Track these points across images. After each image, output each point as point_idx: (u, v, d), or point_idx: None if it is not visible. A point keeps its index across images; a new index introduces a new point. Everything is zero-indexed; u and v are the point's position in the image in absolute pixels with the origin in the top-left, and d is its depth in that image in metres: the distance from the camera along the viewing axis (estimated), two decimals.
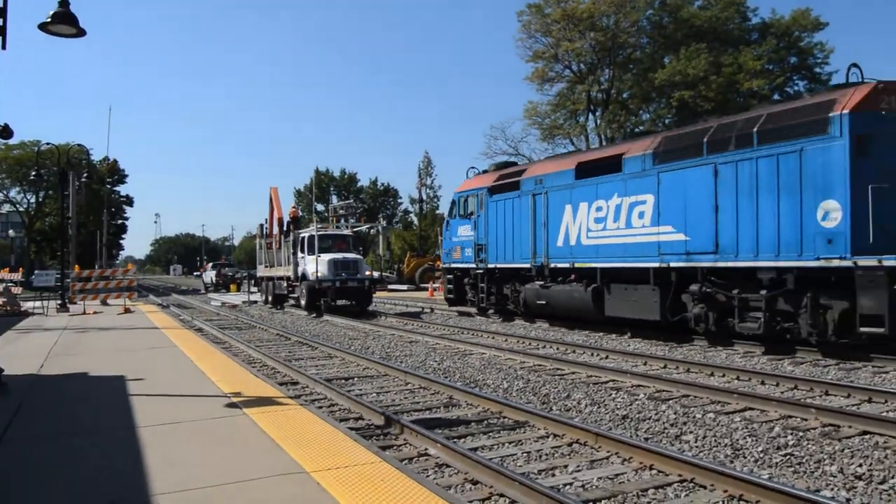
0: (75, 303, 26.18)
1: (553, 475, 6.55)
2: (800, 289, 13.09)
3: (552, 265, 19.46)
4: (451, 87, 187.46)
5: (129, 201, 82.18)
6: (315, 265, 26.31)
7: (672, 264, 15.53)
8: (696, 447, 7.45)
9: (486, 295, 23.12)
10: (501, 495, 5.95)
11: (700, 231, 14.91)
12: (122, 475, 5.57)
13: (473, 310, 24.53)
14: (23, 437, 6.90)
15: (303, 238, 28.39)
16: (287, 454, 5.99)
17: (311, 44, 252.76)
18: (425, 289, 41.96)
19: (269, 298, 32.49)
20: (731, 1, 47.21)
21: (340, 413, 9.23)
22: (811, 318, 12.86)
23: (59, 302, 27.02)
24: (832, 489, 6.10)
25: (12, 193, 72.73)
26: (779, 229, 13.26)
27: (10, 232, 74.58)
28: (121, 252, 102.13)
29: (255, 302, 34.61)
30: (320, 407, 9.45)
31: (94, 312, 24.43)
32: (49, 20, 10.40)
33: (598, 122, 50.82)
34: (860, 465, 6.60)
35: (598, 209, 17.70)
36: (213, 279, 56.07)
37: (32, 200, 72.20)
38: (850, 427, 7.96)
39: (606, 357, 14.01)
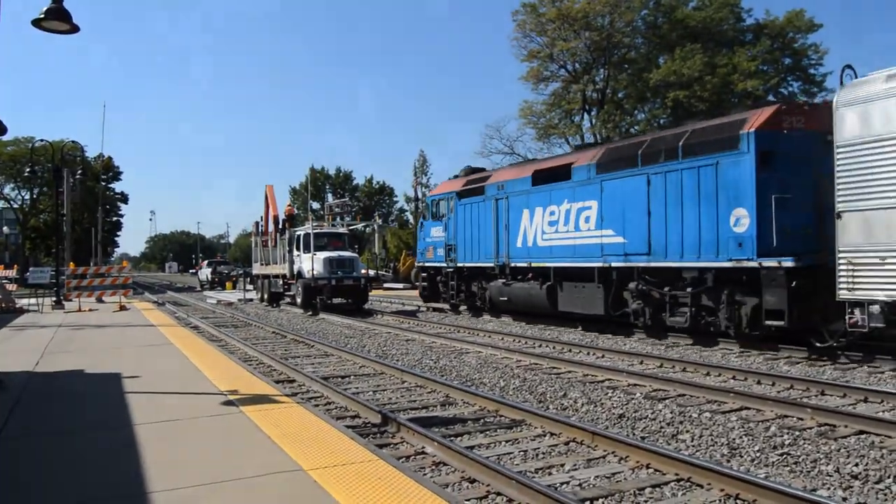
0: (70, 300, 26.06)
1: (550, 474, 6.54)
2: (718, 286, 14.48)
3: (512, 264, 20.98)
4: (447, 85, 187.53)
5: (124, 198, 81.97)
6: (311, 263, 26.27)
7: (613, 264, 17.02)
8: (693, 446, 7.45)
9: (455, 292, 24.55)
10: (498, 494, 5.93)
11: (636, 234, 16.38)
12: (118, 473, 5.54)
13: (447, 306, 25.80)
14: (19, 434, 6.86)
15: (298, 236, 28.35)
16: (284, 452, 5.97)
17: (306, 42, 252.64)
18: None
19: (265, 296, 32.43)
20: (725, 2, 47.23)
21: (337, 411, 9.21)
22: (728, 313, 14.24)
23: (54, 299, 26.95)
24: (829, 488, 6.10)
25: (6, 190, 72.40)
26: (700, 233, 14.76)
27: (5, 229, 74.26)
28: (116, 249, 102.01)
29: (251, 300, 34.56)
30: (317, 405, 9.43)
31: (90, 310, 24.35)
32: (42, 16, 10.36)
33: (594, 121, 50.83)
34: (856, 465, 6.60)
35: (552, 213, 19.34)
36: (209, 277, 55.93)
37: (27, 197, 71.90)
38: (846, 427, 7.96)
39: (602, 356, 14.01)
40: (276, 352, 15.23)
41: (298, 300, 27.48)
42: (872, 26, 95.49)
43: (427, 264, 26.33)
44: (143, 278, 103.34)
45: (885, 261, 11.16)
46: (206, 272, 58.01)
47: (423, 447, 7.24)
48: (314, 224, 29.15)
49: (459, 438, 7.76)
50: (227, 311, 28.76)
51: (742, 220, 13.85)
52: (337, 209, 38.75)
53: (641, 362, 13.06)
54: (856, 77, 12.33)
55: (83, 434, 6.79)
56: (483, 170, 25.48)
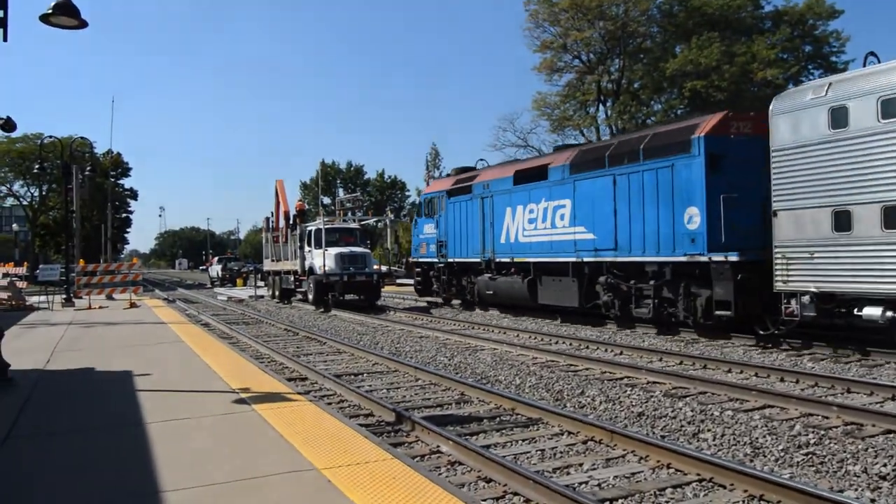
0: (80, 297, 26.21)
1: (568, 473, 6.51)
2: (676, 279, 15.89)
3: (497, 260, 22.54)
4: (460, 77, 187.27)
5: (134, 195, 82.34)
6: (322, 259, 26.30)
7: (585, 259, 18.56)
8: (715, 445, 7.39)
9: (447, 286, 26.14)
10: (515, 494, 5.91)
11: (604, 231, 17.88)
12: (131, 471, 5.55)
13: (440, 299, 27.23)
14: (30, 433, 6.89)
15: (309, 231, 28.38)
16: (297, 451, 5.96)
17: (319, 36, 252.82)
18: None
19: (276, 293, 32.53)
20: None
21: (350, 409, 9.22)
22: (685, 304, 15.63)
23: (64, 296, 27.12)
24: (856, 489, 6.03)
25: (16, 187, 73.00)
26: (658, 230, 16.20)
27: (14, 226, 74.91)
28: (125, 246, 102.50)
29: (262, 296, 34.66)
30: (330, 403, 9.44)
31: (100, 307, 24.50)
32: (50, 11, 10.37)
33: (609, 113, 50.56)
34: (885, 465, 6.51)
35: (531, 212, 20.92)
36: (219, 273, 56.14)
37: (36, 194, 72.41)
38: (873, 426, 7.87)
39: (621, 353, 13.95)
40: (288, 349, 15.26)
41: (310, 297, 27.53)
42: (894, 13, 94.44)
43: (421, 260, 27.93)
44: (152, 275, 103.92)
45: (814, 255, 12.68)
46: (216, 269, 58.21)
47: (439, 446, 7.22)
48: (325, 219, 29.21)
49: (475, 437, 7.74)
50: (237, 307, 28.87)
51: (694, 217, 15.32)
52: (348, 204, 38.81)
53: (661, 359, 12.99)
54: (879, 62, 12.66)
55: (94, 433, 6.81)
56: (473, 169, 26.71)
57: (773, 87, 41.78)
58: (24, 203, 73.56)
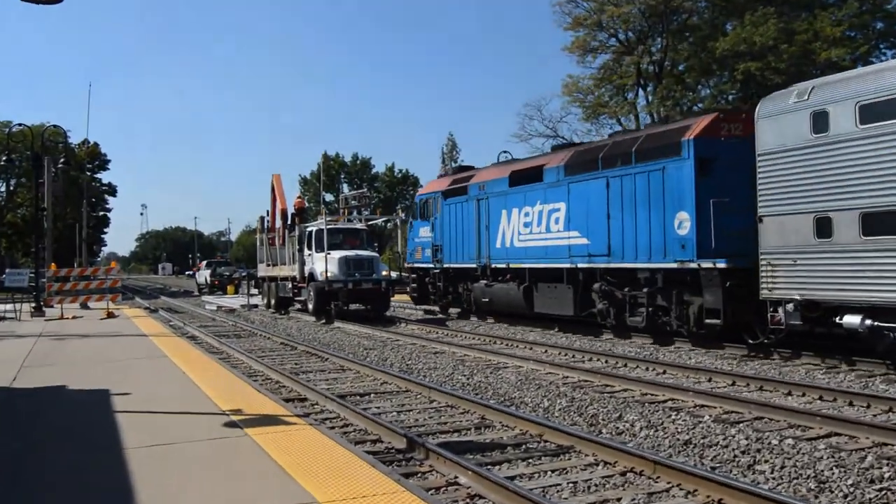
0: (52, 306, 26.42)
1: None
2: (668, 287, 16.97)
3: (493, 265, 23.66)
4: (480, 59, 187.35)
5: (112, 190, 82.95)
6: (324, 264, 26.32)
7: (579, 265, 19.65)
8: (773, 479, 7.32)
9: (443, 293, 27.38)
10: None
11: (598, 236, 18.96)
12: None
13: (436, 308, 28.57)
14: None
15: (310, 233, 28.43)
16: (295, 482, 5.95)
17: (318, 12, 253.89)
18: None
19: (272, 302, 32.60)
20: None
21: (356, 434, 9.21)
22: (677, 312, 16.69)
23: (33, 305, 27.29)
24: None
25: None
26: (650, 235, 17.27)
27: None
28: (102, 248, 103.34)
29: (256, 306, 34.77)
30: (332, 427, 9.43)
31: (73, 317, 24.66)
32: None
33: (650, 98, 50.40)
34: None
35: (526, 215, 22.01)
36: (208, 279, 56.40)
37: (2, 189, 73.04)
38: None
39: (664, 372, 13.88)
40: (285, 366, 15.28)
41: (310, 306, 27.59)
42: None
43: (416, 265, 29.08)
44: (133, 281, 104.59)
45: (797, 262, 13.79)
46: (204, 274, 58.50)
47: (456, 477, 7.19)
48: (328, 219, 29.25)
49: (498, 467, 7.71)
50: (228, 318, 28.98)
51: (684, 223, 16.42)
52: (354, 201, 38.73)
53: (710, 379, 12.91)
54: None
55: (67, 459, 6.83)
56: (470, 168, 27.60)
57: (839, 69, 41.50)
58: None
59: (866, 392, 11.14)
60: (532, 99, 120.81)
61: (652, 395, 11.65)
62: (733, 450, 8.26)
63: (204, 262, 65.48)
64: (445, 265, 26.73)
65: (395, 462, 7.84)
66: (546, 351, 17.18)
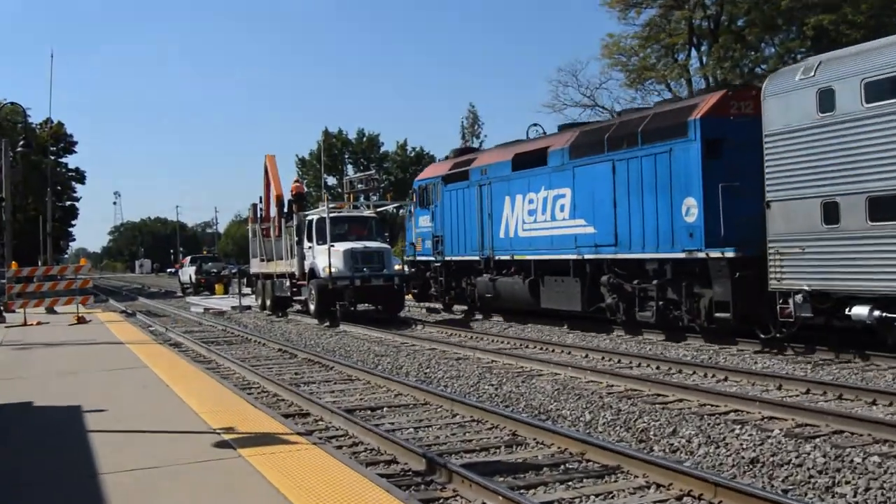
0: (13, 310, 26.59)
1: None
2: (677, 279, 17.80)
3: (496, 257, 24.72)
4: (503, 17, 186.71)
5: (80, 177, 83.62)
6: (327, 258, 26.35)
7: (586, 256, 20.56)
8: (856, 503, 7.28)
9: (445, 289, 28.57)
10: None
11: (604, 224, 19.85)
12: None
13: (439, 305, 29.77)
14: None
15: (310, 222, 28.50)
16: None
17: None
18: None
19: (267, 303, 32.75)
20: None
21: (367, 455, 9.24)
22: (687, 306, 17.52)
23: None
24: None
25: None
26: (657, 223, 18.10)
27: None
28: (70, 243, 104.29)
29: (249, 307, 34.93)
30: (339, 447, 9.46)
31: (38, 323, 24.82)
32: None
33: (705, 59, 50.09)
34: None
35: (531, 202, 22.95)
36: (193, 278, 56.70)
37: None
38: None
39: (725, 379, 13.86)
40: (284, 376, 15.36)
41: (311, 307, 27.67)
42: None
43: (417, 258, 30.17)
44: (106, 281, 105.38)
45: (805, 250, 14.57)
46: (188, 272, 58.81)
47: (484, 503, 7.19)
48: (330, 206, 29.30)
49: (532, 491, 7.72)
50: (217, 322, 29.12)
51: (692, 209, 17.20)
52: (360, 185, 38.86)
53: (780, 387, 12.87)
54: None
55: (31, 490, 6.87)
56: (473, 150, 28.47)
57: None
58: None
59: None
60: (566, 63, 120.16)
61: (712, 405, 11.63)
62: (808, 469, 8.22)
63: (188, 258, 65.79)
64: (447, 258, 27.80)
65: (413, 486, 7.86)
66: (587, 355, 17.19)
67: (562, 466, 8.52)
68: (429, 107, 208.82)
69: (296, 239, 29.10)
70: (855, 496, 7.44)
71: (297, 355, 18.54)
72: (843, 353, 15.11)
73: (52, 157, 69.33)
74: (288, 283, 30.04)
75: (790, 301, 14.82)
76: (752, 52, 49.79)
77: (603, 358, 16.78)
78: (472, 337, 21.79)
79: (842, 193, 13.70)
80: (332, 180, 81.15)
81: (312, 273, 27.71)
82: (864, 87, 13.40)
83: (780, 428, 10.04)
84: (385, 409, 12.03)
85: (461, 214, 26.76)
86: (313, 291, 27.40)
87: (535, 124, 26.41)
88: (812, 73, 14.50)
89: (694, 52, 51.13)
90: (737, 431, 9.87)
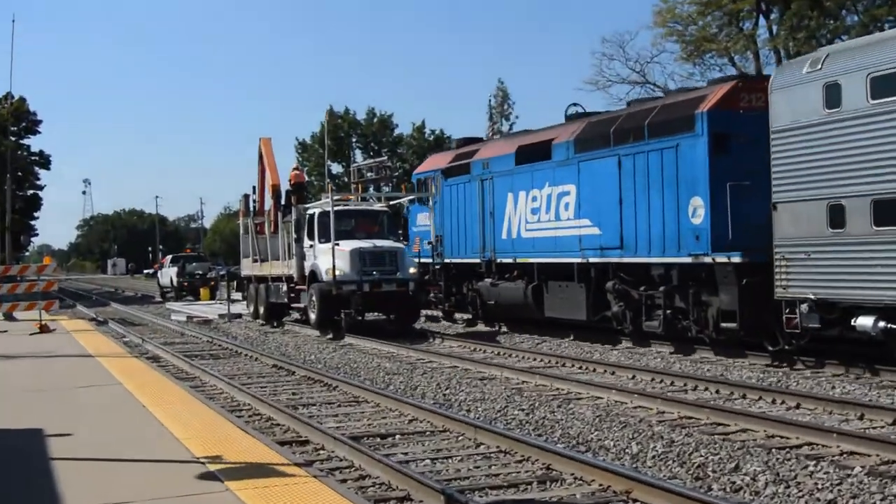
0: None
1: None
2: (684, 285, 18.61)
3: (498, 260, 25.69)
4: None
5: (45, 161, 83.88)
6: (330, 259, 26.37)
7: (591, 259, 21.45)
8: None
9: (445, 295, 29.57)
10: None
11: (609, 225, 20.70)
12: None
13: (439, 312, 30.84)
14: None
15: (311, 216, 28.53)
16: None
17: None
18: None
19: (261, 310, 32.77)
20: None
21: (376, 490, 9.25)
22: (695, 315, 18.29)
23: None
24: None
25: None
26: (664, 224, 18.86)
27: None
28: (32, 239, 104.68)
29: (240, 316, 35.00)
30: (344, 480, 9.46)
31: None
32: None
33: (775, 29, 49.88)
34: None
35: (534, 199, 23.87)
36: (174, 280, 56.94)
37: None
38: None
39: (797, 406, 13.76)
40: (279, 396, 15.40)
41: (312, 316, 27.69)
42: None
43: (415, 260, 29.99)
44: (74, 283, 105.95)
45: (811, 256, 15.29)
46: (169, 273, 59.04)
47: None
48: (335, 198, 29.31)
49: None
50: (202, 332, 29.21)
51: (698, 210, 18.00)
52: (370, 174, 38.95)
53: (861, 416, 12.76)
54: None
55: None
56: (477, 140, 29.04)
57: None
58: None
59: None
60: (612, 33, 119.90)
61: (782, 437, 11.56)
62: None
63: (168, 258, 66.04)
64: (447, 260, 28.86)
65: None
66: (633, 377, 17.13)
67: None
68: (450, 83, 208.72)
69: (294, 236, 29.14)
70: None
71: (294, 372, 18.57)
72: (852, 368, 15.91)
73: (13, 139, 69.60)
74: (285, 288, 30.07)
75: (797, 310, 15.54)
76: (832, 21, 49.46)
77: (652, 380, 16.71)
78: (499, 353, 21.74)
79: (847, 196, 14.41)
80: (337, 168, 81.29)
81: (313, 276, 27.71)
82: (869, 82, 14.06)
83: (862, 465, 9.96)
84: (397, 436, 12.03)
85: (461, 211, 27.65)
86: (314, 298, 27.39)
87: (574, 104, 26.06)
88: (819, 66, 15.23)
89: (762, 21, 50.90)
90: (810, 468, 9.82)
